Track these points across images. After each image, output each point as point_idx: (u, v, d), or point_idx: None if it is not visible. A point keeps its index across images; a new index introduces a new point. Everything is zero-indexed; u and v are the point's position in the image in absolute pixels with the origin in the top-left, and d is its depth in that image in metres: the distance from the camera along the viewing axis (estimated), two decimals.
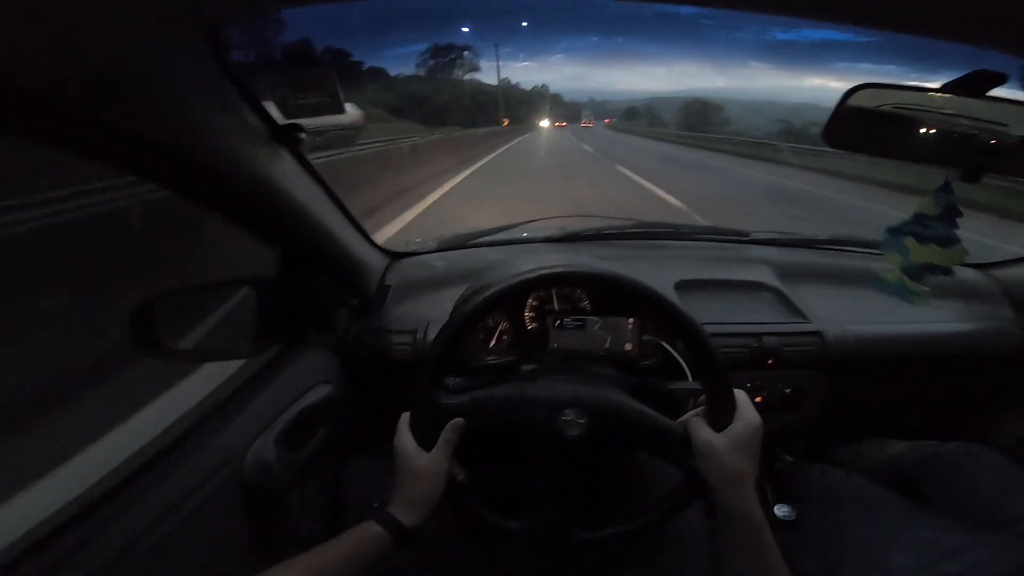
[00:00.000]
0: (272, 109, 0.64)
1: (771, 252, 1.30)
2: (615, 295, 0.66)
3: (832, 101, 0.62)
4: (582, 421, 0.64)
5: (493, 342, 0.99)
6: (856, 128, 0.62)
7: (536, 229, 1.36)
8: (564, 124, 62.41)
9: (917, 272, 0.70)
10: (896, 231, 0.70)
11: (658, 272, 1.15)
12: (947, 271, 0.68)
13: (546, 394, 0.67)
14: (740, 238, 1.32)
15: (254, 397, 0.81)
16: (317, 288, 0.96)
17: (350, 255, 0.94)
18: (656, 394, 0.86)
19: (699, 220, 5.40)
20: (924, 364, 1.11)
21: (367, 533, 0.60)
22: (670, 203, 6.50)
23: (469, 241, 1.28)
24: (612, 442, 0.66)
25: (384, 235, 4.31)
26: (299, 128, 0.66)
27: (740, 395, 0.64)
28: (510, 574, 0.84)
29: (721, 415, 0.63)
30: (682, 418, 0.66)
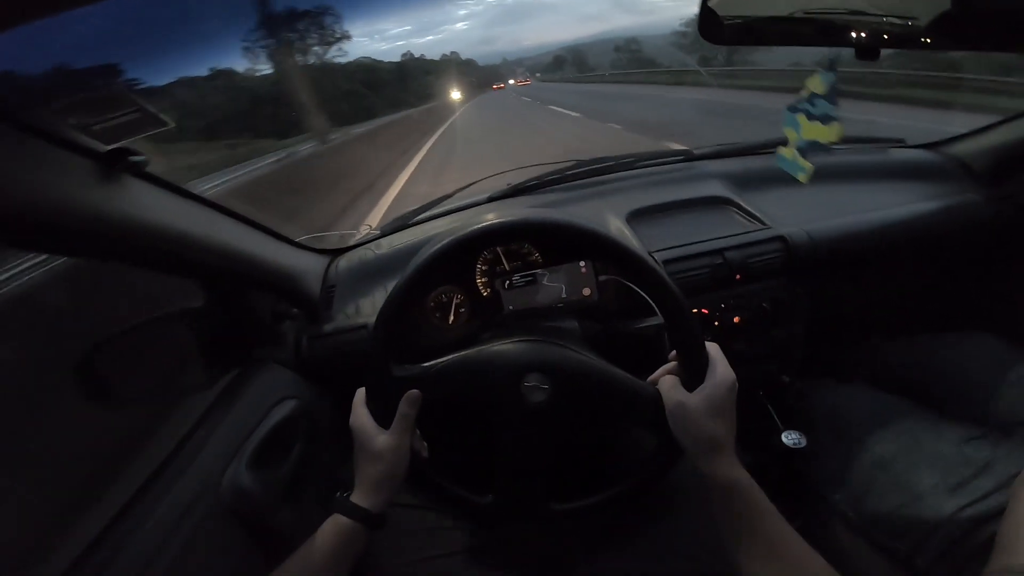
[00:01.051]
0: (87, 139, 0.54)
1: (717, 165, 1.27)
2: (560, 242, 0.62)
3: None
4: (545, 386, 0.61)
5: (452, 317, 0.96)
6: (731, 16, 0.58)
7: (478, 191, 1.30)
8: (502, 86, 61.55)
9: (806, 148, 0.70)
10: (793, 109, 0.70)
11: (608, 206, 1.11)
12: (827, 148, 0.68)
13: (503, 358, 0.63)
14: (684, 157, 1.29)
15: (217, 426, 0.78)
16: (250, 307, 0.90)
17: (273, 266, 0.88)
18: (623, 337, 0.84)
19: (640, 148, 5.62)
20: (896, 252, 1.10)
21: (336, 527, 0.58)
22: (613, 129, 6.79)
23: (410, 221, 1.22)
24: (580, 406, 0.62)
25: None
26: (129, 151, 0.56)
27: (713, 349, 0.60)
28: (496, 546, 0.81)
29: (693, 372, 0.59)
30: (652, 376, 0.63)
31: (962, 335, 1.05)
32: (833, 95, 0.65)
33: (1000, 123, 1.18)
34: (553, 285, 0.91)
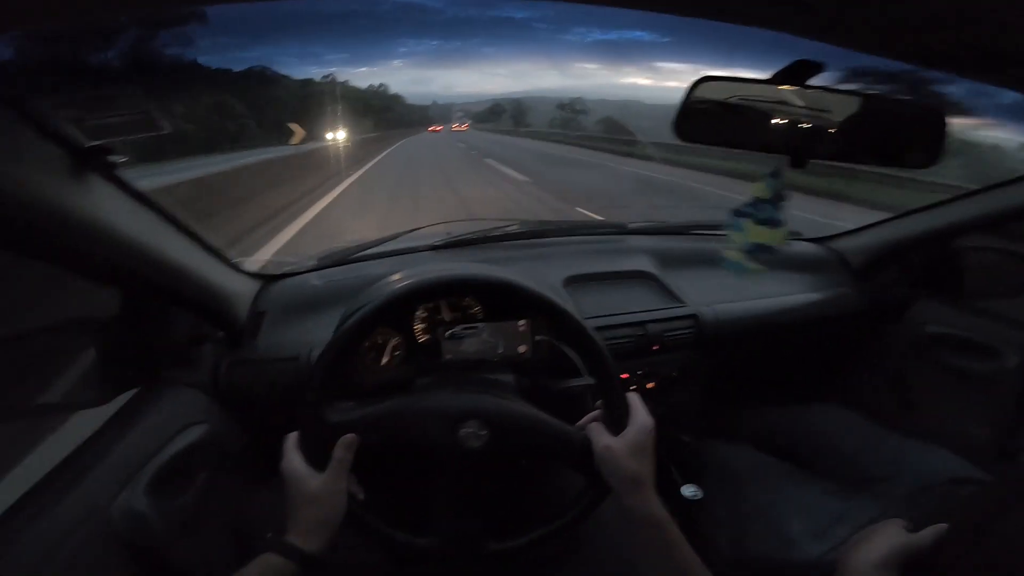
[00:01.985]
0: (72, 132, 0.54)
1: (647, 241, 1.39)
2: (505, 300, 0.66)
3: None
4: (483, 433, 0.63)
5: (385, 358, 0.95)
6: (702, 120, 0.65)
7: (420, 237, 1.32)
8: (439, 128, 59.20)
9: (753, 251, 0.75)
10: (739, 213, 0.75)
11: (546, 269, 1.18)
12: (772, 250, 0.75)
13: (443, 406, 0.65)
14: (618, 230, 1.40)
15: (112, 446, 0.73)
16: (167, 324, 0.85)
17: (206, 285, 0.84)
18: (552, 393, 0.88)
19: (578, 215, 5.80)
20: (781, 333, 1.25)
21: (267, 565, 0.55)
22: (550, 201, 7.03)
23: (350, 256, 1.22)
24: (515, 450, 0.66)
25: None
26: (108, 150, 0.57)
27: (632, 398, 0.66)
28: None
29: (617, 418, 0.64)
30: (581, 422, 0.68)
31: (824, 406, 1.25)
32: (779, 200, 0.71)
33: (877, 224, 1.39)
34: (492, 339, 0.93)
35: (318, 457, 0.60)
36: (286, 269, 1.14)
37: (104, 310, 0.79)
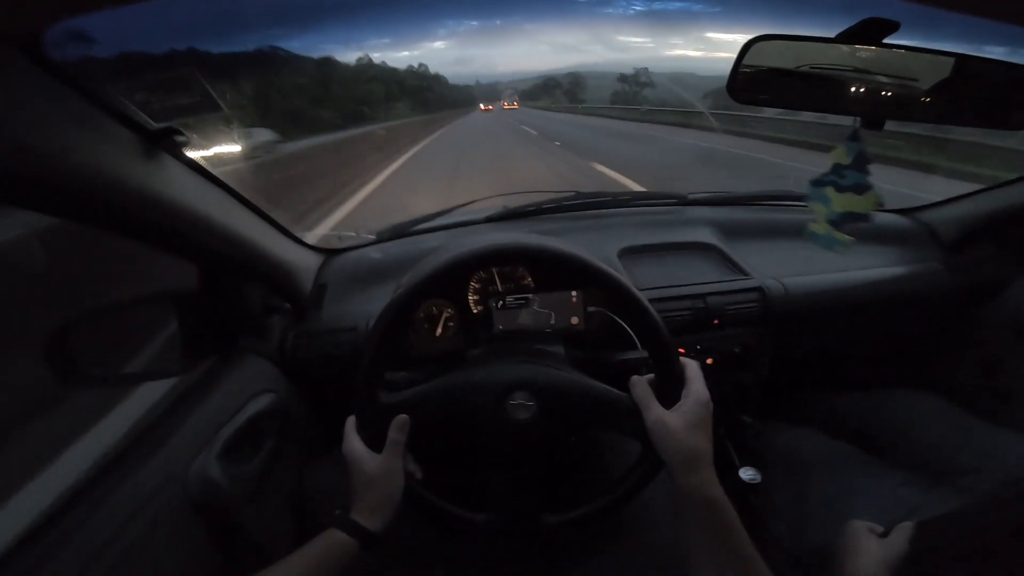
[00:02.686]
0: (141, 116, 0.57)
1: (708, 212, 1.33)
2: (555, 270, 0.65)
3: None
4: (531, 403, 0.63)
5: (439, 330, 0.97)
6: (757, 82, 0.61)
7: (476, 210, 1.33)
8: (491, 108, 59.82)
9: (840, 220, 0.70)
10: (818, 183, 0.70)
11: (601, 241, 1.16)
12: (865, 217, 0.69)
13: (490, 379, 0.65)
14: (678, 200, 1.35)
15: (190, 414, 0.77)
16: (243, 296, 0.90)
17: (273, 258, 0.89)
18: (606, 366, 0.87)
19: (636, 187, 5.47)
20: (860, 311, 1.16)
21: (332, 541, 0.58)
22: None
23: (408, 229, 1.24)
24: (565, 421, 0.65)
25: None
26: (175, 131, 0.60)
27: (690, 367, 0.62)
28: (483, 565, 0.83)
29: (671, 388, 0.61)
30: (630, 383, 0.65)
31: (907, 392, 1.15)
32: (862, 164, 0.66)
33: (970, 194, 1.26)
34: (543, 311, 0.93)
35: (375, 439, 0.62)
36: (347, 243, 1.18)
37: (184, 284, 0.84)
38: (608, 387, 0.65)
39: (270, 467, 0.85)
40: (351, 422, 0.64)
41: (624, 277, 0.64)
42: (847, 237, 0.70)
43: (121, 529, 0.60)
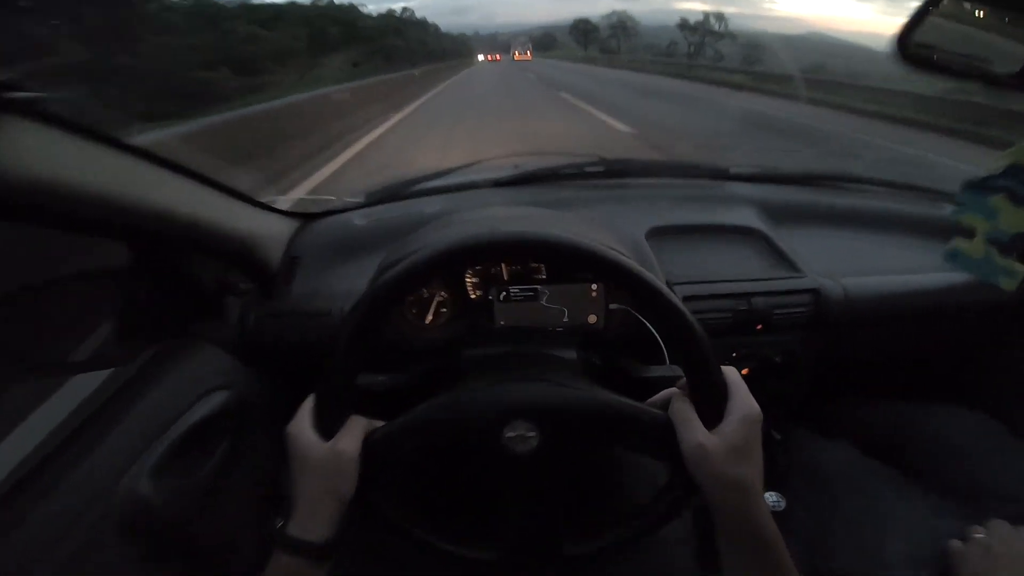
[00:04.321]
0: None
1: (752, 190, 1.13)
2: (568, 265, 0.49)
3: None
4: (531, 434, 0.50)
5: (430, 317, 0.82)
6: (941, 40, 0.46)
7: (483, 170, 1.15)
8: (499, 57, 52.58)
9: (1011, 243, 0.52)
10: (981, 186, 0.52)
11: (627, 217, 0.98)
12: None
13: (481, 402, 0.52)
14: (719, 174, 1.15)
15: (123, 417, 0.65)
16: (190, 274, 0.75)
17: (224, 229, 0.72)
18: (628, 378, 0.73)
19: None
20: (926, 320, 0.99)
21: (280, 569, 0.48)
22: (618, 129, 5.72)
23: (403, 191, 1.07)
24: (576, 448, 0.54)
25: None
26: (8, 86, 0.42)
27: (732, 376, 0.51)
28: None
29: (712, 405, 0.49)
30: (661, 397, 0.54)
31: (950, 407, 1.00)
32: None
33: None
34: (554, 306, 0.78)
35: (329, 422, 0.51)
36: (328, 206, 1.00)
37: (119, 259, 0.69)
38: (632, 401, 0.52)
39: (226, 473, 0.73)
40: (310, 401, 0.53)
41: (657, 274, 0.48)
42: (1019, 267, 0.51)
43: (41, 556, 0.52)
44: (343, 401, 0.51)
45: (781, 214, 1.06)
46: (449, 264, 0.50)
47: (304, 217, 0.95)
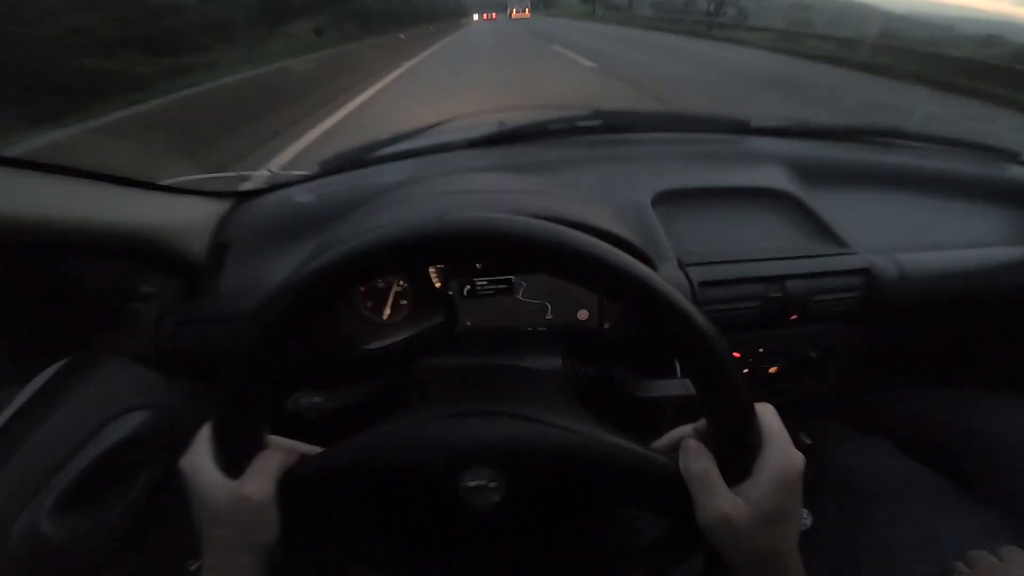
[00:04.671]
0: None
1: (780, 145, 0.95)
2: (560, 266, 0.35)
3: None
4: (494, 484, 0.40)
5: (388, 310, 0.68)
6: None
7: (458, 129, 0.97)
8: (495, 16, 47.35)
9: None
10: None
11: (628, 180, 0.81)
12: None
13: (429, 445, 0.41)
14: (739, 128, 0.96)
15: (18, 445, 0.54)
16: (81, 281, 0.61)
17: (118, 224, 0.58)
18: (627, 398, 0.60)
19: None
20: (983, 299, 0.83)
21: None
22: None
23: (363, 157, 0.90)
24: (551, 500, 0.43)
25: None
26: None
27: (767, 418, 0.39)
28: None
29: (738, 457, 0.37)
30: (670, 440, 0.42)
31: (1004, 400, 0.86)
32: None
33: None
34: (534, 301, 0.63)
35: (235, 457, 0.40)
36: (268, 181, 0.84)
37: None
38: (631, 446, 0.40)
39: (152, 502, 0.62)
40: (206, 430, 0.42)
41: (658, 279, 0.34)
42: None
43: None
44: (249, 432, 0.40)
45: (815, 173, 0.88)
46: (364, 272, 0.36)
47: (237, 197, 0.79)
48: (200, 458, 0.40)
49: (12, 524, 0.51)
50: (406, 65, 9.09)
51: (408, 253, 0.34)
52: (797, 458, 0.38)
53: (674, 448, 0.40)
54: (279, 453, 0.40)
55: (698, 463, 0.37)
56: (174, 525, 0.65)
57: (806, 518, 0.79)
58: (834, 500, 0.80)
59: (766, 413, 0.40)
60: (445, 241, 0.34)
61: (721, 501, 0.36)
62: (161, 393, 0.66)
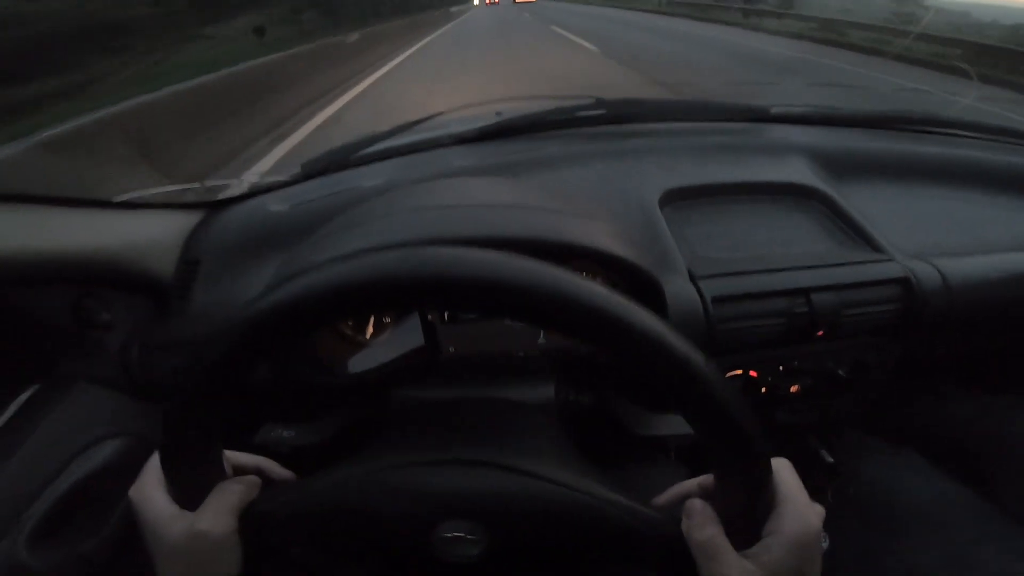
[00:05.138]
0: None
1: (803, 135, 0.86)
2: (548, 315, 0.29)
3: None
4: (473, 537, 0.36)
5: (370, 329, 0.63)
6: None
7: (449, 124, 0.90)
8: (497, 0, 42.62)
9: None
10: None
11: (634, 176, 0.74)
12: None
13: (400, 494, 0.37)
14: (757, 114, 0.88)
15: None
16: (33, 310, 0.57)
17: (69, 248, 0.54)
18: (625, 434, 0.55)
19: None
20: None
21: None
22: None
23: (347, 157, 0.84)
24: (537, 558, 0.39)
25: None
26: None
27: (783, 475, 0.36)
28: None
29: (747, 519, 0.34)
30: (671, 497, 0.40)
31: None
32: None
33: None
34: (521, 325, 0.58)
35: (190, 488, 0.37)
36: (243, 188, 0.78)
37: None
38: (627, 502, 0.36)
39: (133, 531, 0.60)
40: (154, 462, 0.38)
41: (659, 322, 0.28)
42: None
43: None
44: (202, 460, 0.37)
45: (842, 166, 0.79)
46: (316, 318, 0.31)
47: (207, 209, 0.74)
48: (150, 488, 0.37)
49: None
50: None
51: (359, 300, 0.29)
52: (816, 518, 0.35)
53: (677, 504, 0.37)
54: (238, 486, 0.37)
55: (703, 530, 0.34)
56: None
57: (824, 540, 0.74)
58: (856, 520, 0.74)
59: (782, 470, 0.36)
60: (402, 288, 0.29)
61: (728, 571, 0.33)
62: (133, 419, 0.63)
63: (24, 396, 0.59)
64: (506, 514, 0.37)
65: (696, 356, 0.28)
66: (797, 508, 0.34)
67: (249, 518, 0.36)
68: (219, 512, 0.36)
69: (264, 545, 0.37)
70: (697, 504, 0.35)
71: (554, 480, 0.37)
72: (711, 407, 0.29)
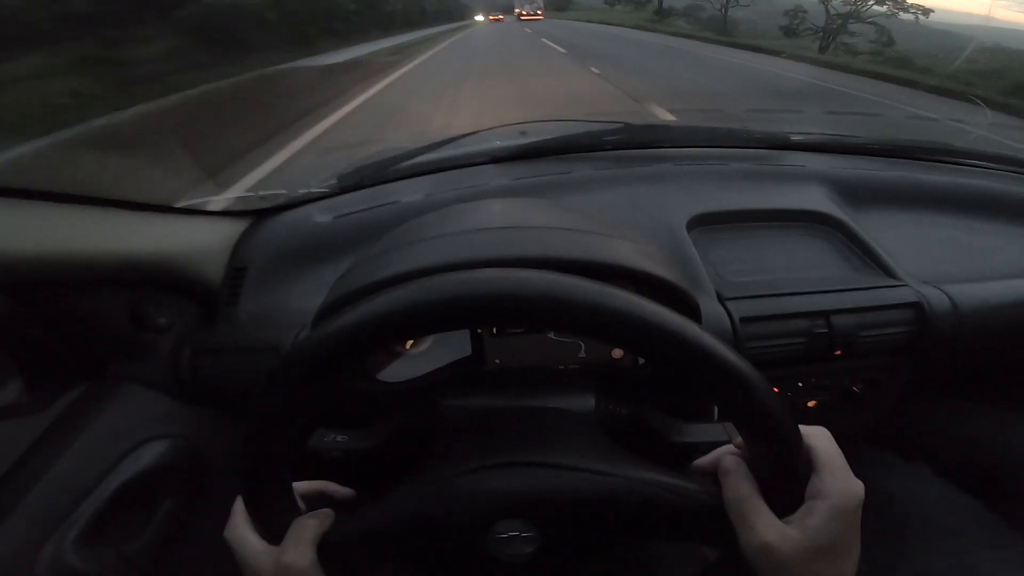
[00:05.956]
0: None
1: (820, 162, 0.90)
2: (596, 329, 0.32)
3: None
4: (528, 534, 0.39)
5: (409, 342, 0.65)
6: None
7: (479, 141, 0.94)
8: (501, 17, 44.01)
9: None
10: None
11: (662, 201, 0.78)
12: None
13: (464, 500, 0.40)
14: (776, 142, 0.92)
15: (40, 475, 0.54)
16: (91, 312, 0.59)
17: (123, 251, 0.56)
18: (665, 442, 0.57)
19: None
20: None
21: None
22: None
23: (383, 171, 0.87)
24: (589, 549, 0.41)
25: None
26: None
27: (821, 441, 0.37)
28: None
29: (786, 485, 0.35)
30: (709, 461, 0.41)
31: None
32: None
33: None
34: (566, 340, 0.60)
35: (271, 523, 0.40)
36: (285, 199, 0.81)
37: None
38: (671, 479, 0.39)
39: (173, 535, 0.62)
40: (240, 506, 0.42)
41: (708, 336, 0.31)
42: None
43: None
44: (279, 500, 0.40)
45: (858, 193, 0.83)
46: (373, 343, 0.33)
47: (254, 216, 0.77)
48: (240, 529, 0.41)
49: (37, 554, 0.50)
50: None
51: (437, 318, 0.32)
52: (858, 486, 0.35)
53: (715, 469, 0.39)
54: (313, 520, 0.40)
55: (736, 490, 0.35)
56: (196, 554, 0.64)
57: None
58: (869, 527, 0.77)
59: (821, 437, 0.37)
60: (482, 308, 0.31)
61: (761, 530, 0.33)
62: (180, 422, 0.65)
63: (72, 395, 0.61)
64: (558, 509, 0.39)
65: (734, 357, 0.32)
66: (839, 474, 0.35)
67: (327, 548, 0.38)
68: (299, 544, 0.38)
69: (344, 571, 0.39)
70: (731, 460, 0.37)
71: (598, 470, 0.39)
72: (760, 406, 0.33)
